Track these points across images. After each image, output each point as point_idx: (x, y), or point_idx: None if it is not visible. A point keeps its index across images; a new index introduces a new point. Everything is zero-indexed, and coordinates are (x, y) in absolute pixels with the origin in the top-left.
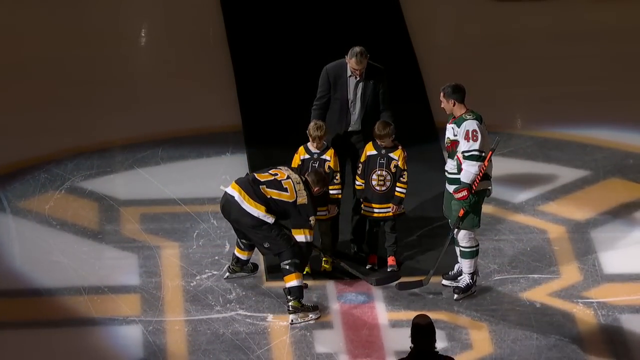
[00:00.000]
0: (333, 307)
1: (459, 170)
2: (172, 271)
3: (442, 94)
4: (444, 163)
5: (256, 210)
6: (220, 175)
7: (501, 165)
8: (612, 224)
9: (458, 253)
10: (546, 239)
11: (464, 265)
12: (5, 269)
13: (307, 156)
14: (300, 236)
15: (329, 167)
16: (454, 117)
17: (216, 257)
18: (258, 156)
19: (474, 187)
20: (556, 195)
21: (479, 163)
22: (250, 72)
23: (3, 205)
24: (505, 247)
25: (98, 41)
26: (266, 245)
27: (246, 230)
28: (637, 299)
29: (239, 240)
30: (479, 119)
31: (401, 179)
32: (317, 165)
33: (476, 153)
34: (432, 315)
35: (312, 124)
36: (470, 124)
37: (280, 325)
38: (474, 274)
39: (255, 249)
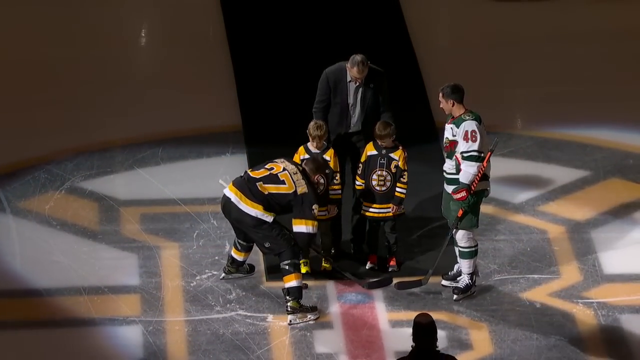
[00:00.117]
0: (333, 307)
1: (458, 170)
2: (172, 271)
3: (441, 94)
4: (444, 163)
5: (254, 210)
6: (221, 176)
7: (501, 166)
8: (612, 224)
9: (457, 253)
10: (546, 239)
11: (463, 266)
12: (5, 269)
13: (307, 156)
14: (301, 227)
15: (329, 167)
16: (453, 117)
17: (216, 258)
18: (258, 156)
19: (473, 188)
20: (556, 195)
21: (477, 164)
22: (250, 72)
23: (3, 206)
24: (505, 247)
25: (98, 41)
26: (267, 245)
27: (247, 229)
28: (637, 299)
29: (236, 241)
30: (478, 119)
31: (401, 179)
32: None
33: (475, 154)
34: (432, 316)
35: (312, 123)
36: (469, 125)
37: (280, 325)
38: (473, 274)
39: (252, 251)
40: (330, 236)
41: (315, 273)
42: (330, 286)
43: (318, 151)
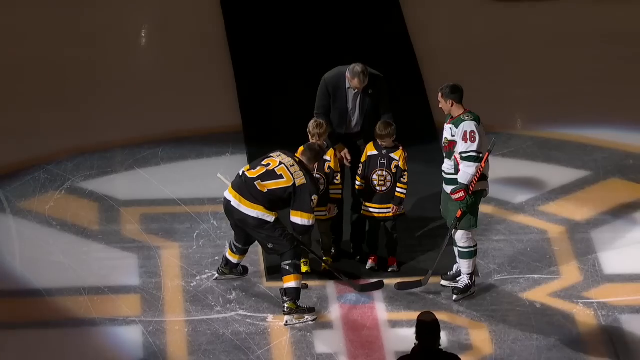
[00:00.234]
0: (333, 308)
1: (456, 170)
2: (172, 271)
3: (440, 94)
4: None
5: (255, 211)
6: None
7: (501, 166)
8: (613, 224)
9: (456, 253)
10: (546, 239)
11: (463, 266)
12: (6, 269)
13: None
14: (298, 218)
15: (329, 167)
16: (452, 118)
17: (216, 258)
18: (258, 156)
19: (471, 188)
20: (556, 195)
21: (476, 164)
22: (250, 72)
23: (3, 206)
24: (505, 248)
25: (98, 41)
26: (270, 245)
27: (250, 230)
28: (637, 299)
29: (233, 243)
30: (477, 119)
31: (402, 179)
32: (316, 165)
33: (474, 154)
34: None
35: (312, 121)
36: (469, 125)
37: (280, 325)
38: (472, 275)
39: (252, 251)
40: (331, 236)
41: (316, 273)
42: (331, 286)
43: None
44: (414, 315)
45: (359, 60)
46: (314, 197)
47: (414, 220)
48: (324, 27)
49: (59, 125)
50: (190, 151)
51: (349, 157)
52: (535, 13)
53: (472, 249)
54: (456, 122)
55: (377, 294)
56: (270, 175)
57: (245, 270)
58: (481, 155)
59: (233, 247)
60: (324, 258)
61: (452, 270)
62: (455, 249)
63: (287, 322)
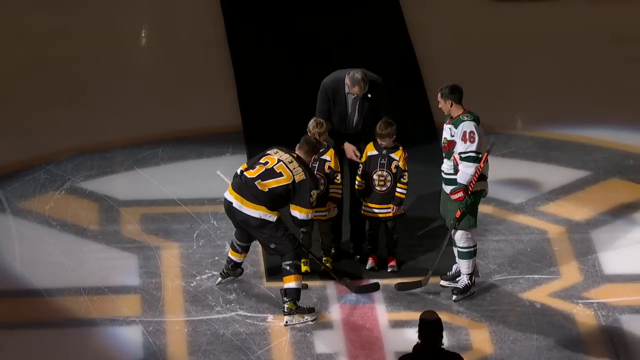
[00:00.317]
0: (333, 308)
1: (456, 171)
2: (172, 272)
3: (439, 95)
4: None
5: (257, 212)
6: (229, 176)
7: (501, 166)
8: (613, 224)
9: (456, 254)
10: (546, 240)
11: (462, 266)
12: (6, 270)
13: None
14: (296, 212)
15: (329, 167)
16: (452, 118)
17: (216, 258)
18: None
19: (471, 188)
20: (556, 195)
21: (475, 164)
22: (250, 72)
23: (3, 206)
24: (506, 248)
25: (98, 42)
26: (272, 246)
27: (253, 231)
28: (638, 299)
29: (235, 242)
30: (476, 120)
31: (402, 179)
32: (317, 165)
33: (473, 154)
34: None
35: (311, 121)
36: (468, 125)
37: (280, 325)
38: (472, 275)
39: (249, 251)
40: (330, 236)
41: (316, 273)
42: (331, 287)
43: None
44: (414, 315)
45: (359, 61)
46: (314, 192)
47: (414, 220)
48: (325, 27)
49: (59, 126)
50: (190, 151)
51: (358, 154)
52: (535, 13)
53: (472, 249)
54: (455, 123)
55: (377, 294)
56: (270, 173)
57: (242, 270)
58: (480, 155)
59: (236, 246)
60: (324, 258)
61: (452, 270)
62: (455, 249)
63: (287, 322)
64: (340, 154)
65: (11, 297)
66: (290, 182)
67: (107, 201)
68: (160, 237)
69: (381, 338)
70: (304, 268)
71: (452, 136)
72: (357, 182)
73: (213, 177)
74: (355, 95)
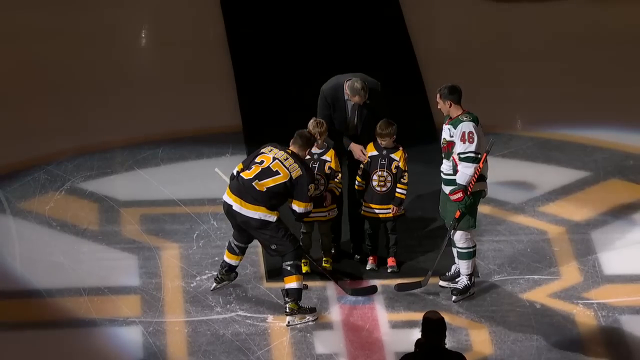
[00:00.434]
0: (333, 308)
1: (455, 171)
2: (172, 272)
3: (438, 95)
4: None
5: (257, 213)
6: (226, 174)
7: (501, 166)
8: (612, 224)
9: (455, 254)
10: (546, 240)
11: (462, 267)
12: (6, 270)
13: (307, 157)
14: (295, 206)
15: (330, 167)
16: (451, 118)
17: (216, 258)
18: None
19: (470, 189)
20: (556, 196)
21: (474, 165)
22: (250, 73)
23: (3, 206)
24: (505, 248)
25: (98, 42)
26: (273, 247)
27: (254, 232)
28: (638, 299)
29: (233, 244)
30: (475, 120)
31: (402, 180)
32: (317, 166)
33: (472, 155)
34: None
35: (311, 120)
36: (467, 126)
37: (280, 326)
38: (471, 275)
39: (245, 254)
40: (330, 237)
41: (316, 274)
42: (331, 287)
43: (319, 150)
44: (413, 315)
45: (359, 61)
46: (311, 185)
47: (414, 221)
48: (325, 27)
49: (59, 126)
50: (190, 152)
51: (365, 152)
52: (535, 13)
53: (471, 250)
54: (454, 123)
55: (377, 295)
56: (267, 173)
57: (236, 274)
58: (479, 155)
59: (234, 248)
60: (324, 258)
61: (451, 271)
62: (454, 250)
63: (289, 322)
64: (340, 155)
65: (11, 298)
66: (287, 179)
67: (107, 201)
68: (160, 238)
69: (381, 338)
70: (304, 268)
71: (451, 137)
72: (357, 183)
73: (213, 178)
74: (354, 102)
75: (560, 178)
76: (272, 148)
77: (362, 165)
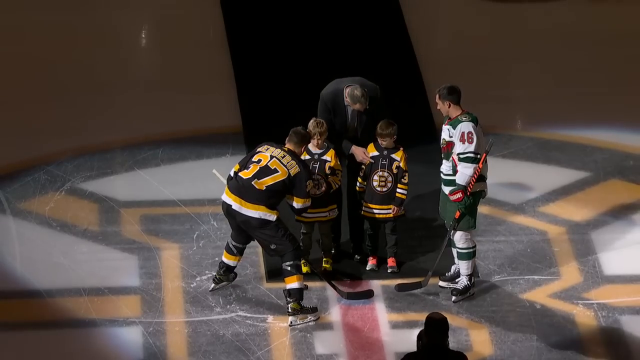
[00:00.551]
0: (333, 308)
1: (454, 171)
2: (172, 272)
3: (437, 96)
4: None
5: (257, 212)
6: (223, 176)
7: (501, 167)
8: (613, 225)
9: (455, 255)
10: (546, 240)
11: (462, 267)
12: (6, 270)
13: (307, 157)
14: (292, 202)
15: (330, 167)
16: (450, 119)
17: (216, 259)
18: None
19: (469, 189)
20: (556, 196)
21: (474, 165)
22: (251, 73)
23: (3, 207)
24: (505, 248)
25: (98, 42)
26: (273, 247)
27: (253, 231)
28: (638, 300)
29: (232, 244)
30: (474, 120)
31: (402, 180)
32: (317, 166)
33: (471, 155)
34: None
35: (311, 121)
36: (466, 126)
37: (280, 326)
38: (471, 276)
39: (247, 256)
40: (331, 237)
41: (316, 274)
42: (331, 287)
43: (319, 151)
44: (414, 316)
45: (359, 62)
46: (309, 182)
47: (414, 221)
48: (325, 27)
49: (59, 126)
50: (190, 152)
51: (367, 154)
52: (535, 14)
53: (471, 250)
54: (454, 123)
55: (377, 296)
56: (265, 171)
57: (235, 275)
58: (479, 156)
59: (232, 248)
60: (324, 259)
61: (450, 271)
62: (454, 250)
63: (291, 322)
64: (339, 157)
65: (11, 298)
66: (286, 177)
67: (107, 202)
68: (160, 238)
69: (381, 339)
70: (304, 269)
71: (451, 137)
72: (358, 184)
73: (213, 178)
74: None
75: (560, 178)
76: (269, 146)
77: (363, 167)
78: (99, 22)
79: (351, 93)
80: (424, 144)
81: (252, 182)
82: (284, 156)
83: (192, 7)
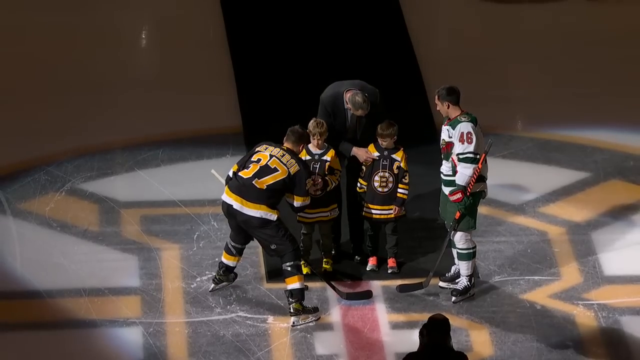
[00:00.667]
0: (334, 309)
1: (454, 172)
2: (172, 273)
3: (436, 97)
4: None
5: (258, 211)
6: (222, 176)
7: (501, 167)
8: (613, 225)
9: (455, 255)
10: (546, 241)
11: (462, 268)
12: (6, 271)
13: (307, 157)
14: (291, 200)
15: (330, 167)
16: (449, 119)
17: (216, 259)
18: None
19: (469, 189)
20: (556, 196)
21: (473, 165)
22: (251, 74)
23: (3, 207)
24: (506, 249)
25: (98, 43)
26: (273, 247)
27: (254, 231)
28: (638, 300)
29: (230, 244)
30: (473, 121)
31: (403, 180)
32: (317, 166)
33: (471, 155)
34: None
35: (311, 121)
36: (465, 126)
37: (280, 327)
38: (471, 277)
39: (246, 257)
40: (331, 238)
41: (316, 275)
42: (331, 288)
43: (319, 151)
44: (414, 316)
45: (359, 62)
46: (309, 180)
47: (414, 222)
48: (325, 28)
49: (59, 127)
50: (191, 153)
51: (371, 153)
52: (535, 14)
53: (471, 251)
54: (453, 124)
55: (378, 296)
56: (266, 170)
57: (235, 275)
58: (478, 156)
59: (231, 249)
60: (325, 259)
61: (451, 271)
62: (454, 251)
63: (294, 323)
64: (339, 156)
65: (11, 298)
66: (286, 175)
67: (107, 202)
68: (160, 239)
69: (381, 339)
70: (304, 269)
71: (450, 137)
72: (359, 185)
73: (213, 179)
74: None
75: (561, 179)
76: (267, 146)
77: (363, 167)
78: (99, 23)
79: (352, 99)
80: (424, 145)
81: (253, 182)
82: (283, 155)
83: (192, 7)
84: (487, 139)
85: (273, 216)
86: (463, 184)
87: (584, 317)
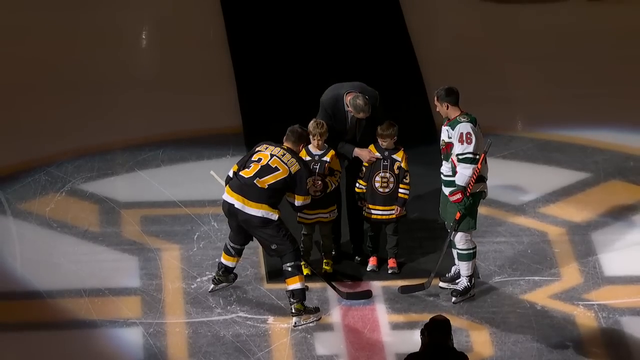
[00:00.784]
0: (334, 309)
1: (454, 172)
2: (172, 273)
3: (435, 98)
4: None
5: (260, 211)
6: (221, 177)
7: (502, 167)
8: (613, 226)
9: (455, 255)
10: (547, 241)
11: (462, 268)
12: (6, 271)
13: (307, 158)
14: (292, 199)
15: (330, 168)
16: (449, 120)
17: (217, 260)
18: None
19: (469, 190)
20: (557, 197)
21: (472, 166)
22: (251, 74)
23: (4, 208)
24: (506, 249)
25: (98, 43)
26: (273, 247)
27: (254, 231)
28: (638, 301)
29: (229, 245)
30: (473, 121)
31: (404, 180)
32: (317, 167)
33: (470, 156)
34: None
35: (312, 122)
36: (465, 127)
37: (280, 327)
38: (471, 277)
39: (246, 257)
40: (331, 239)
41: (317, 275)
42: (331, 288)
43: (319, 152)
44: (414, 317)
45: (359, 63)
46: (309, 179)
47: (415, 222)
48: (325, 28)
49: (59, 127)
50: (191, 153)
51: (373, 153)
52: (535, 15)
53: (471, 251)
54: (452, 124)
55: (378, 297)
56: (267, 170)
57: (235, 276)
58: (478, 156)
59: (230, 249)
60: (325, 260)
61: (451, 272)
62: (454, 251)
63: (296, 323)
64: (339, 157)
65: (12, 299)
66: (287, 175)
67: (107, 203)
68: (160, 239)
69: (381, 340)
70: (304, 270)
71: (450, 138)
72: (359, 185)
73: (213, 180)
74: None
75: (561, 179)
76: (268, 145)
77: (363, 168)
78: (99, 23)
79: (354, 103)
80: (424, 145)
81: (254, 181)
82: (284, 154)
83: (192, 7)
84: (486, 139)
85: (274, 216)
86: (463, 185)
87: (584, 318)
